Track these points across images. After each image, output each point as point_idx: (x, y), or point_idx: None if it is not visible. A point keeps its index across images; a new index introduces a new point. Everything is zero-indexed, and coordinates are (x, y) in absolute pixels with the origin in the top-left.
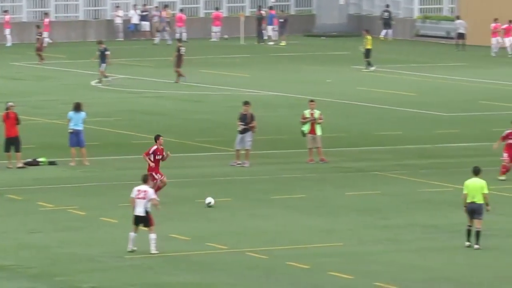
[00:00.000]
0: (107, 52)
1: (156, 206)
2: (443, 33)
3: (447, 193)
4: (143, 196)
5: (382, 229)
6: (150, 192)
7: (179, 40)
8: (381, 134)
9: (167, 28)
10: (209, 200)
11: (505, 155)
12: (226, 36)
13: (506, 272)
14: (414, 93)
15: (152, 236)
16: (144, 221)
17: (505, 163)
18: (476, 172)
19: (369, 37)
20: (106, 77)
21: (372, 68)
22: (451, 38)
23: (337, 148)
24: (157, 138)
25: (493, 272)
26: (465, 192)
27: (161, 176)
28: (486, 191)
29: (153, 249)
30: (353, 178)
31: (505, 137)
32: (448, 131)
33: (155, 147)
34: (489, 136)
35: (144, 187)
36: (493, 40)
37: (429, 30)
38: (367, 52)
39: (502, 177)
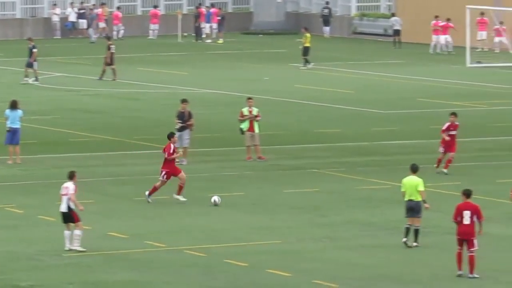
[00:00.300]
0: (35, 50)
1: (75, 204)
2: (380, 31)
3: (385, 191)
4: (65, 193)
5: (321, 226)
6: (71, 189)
7: (109, 38)
8: (319, 132)
9: (103, 26)
10: (215, 198)
11: (441, 148)
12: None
13: (443, 269)
14: (352, 90)
15: (77, 232)
16: (67, 217)
17: (440, 157)
18: (414, 169)
19: (308, 34)
20: (27, 76)
21: (310, 66)
22: (389, 35)
23: (275, 146)
24: (171, 136)
25: (431, 269)
26: (403, 190)
27: (163, 176)
28: (421, 189)
29: (75, 246)
30: (291, 175)
31: (446, 130)
32: (386, 128)
33: (172, 145)
34: (427, 134)
35: (67, 183)
36: (434, 38)
37: (367, 27)
38: (305, 50)
39: (445, 170)
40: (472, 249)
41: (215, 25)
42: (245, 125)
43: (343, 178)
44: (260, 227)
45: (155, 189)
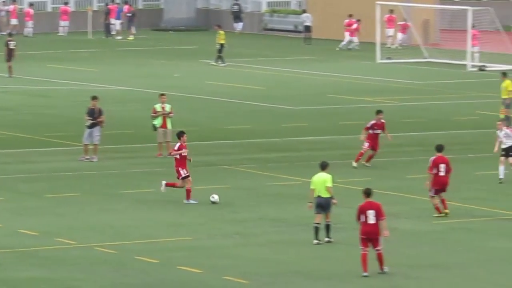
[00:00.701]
0: None
1: None
2: (290, 27)
3: (295, 187)
4: None
5: (231, 223)
6: None
7: (10, 34)
8: (230, 128)
9: (14, 23)
10: (214, 197)
11: (366, 144)
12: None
13: (354, 265)
14: (262, 87)
15: None
16: None
17: (363, 151)
18: (323, 167)
19: (221, 32)
20: None
21: (223, 65)
22: (299, 31)
23: (186, 142)
24: (180, 135)
25: (341, 265)
26: (312, 187)
27: (187, 172)
28: (329, 185)
29: None
30: (202, 172)
31: (370, 127)
32: (296, 124)
33: (178, 144)
34: (337, 130)
35: None
36: (346, 35)
37: (277, 24)
38: (220, 47)
39: (355, 164)
40: (378, 248)
41: (124, 22)
42: (158, 122)
43: (254, 175)
44: (170, 224)
45: (188, 192)
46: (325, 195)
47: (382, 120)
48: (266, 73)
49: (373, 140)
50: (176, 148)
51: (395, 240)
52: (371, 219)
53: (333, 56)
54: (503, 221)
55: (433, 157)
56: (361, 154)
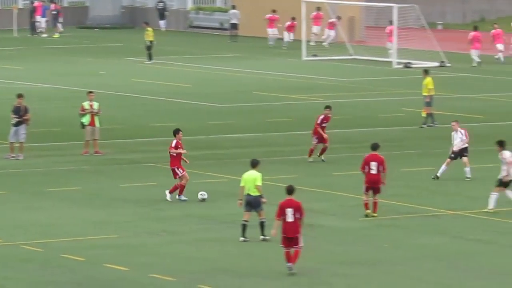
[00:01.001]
0: None
1: None
2: (216, 24)
3: (222, 184)
4: None
5: (158, 220)
6: None
7: None
8: (156, 126)
9: None
10: (204, 195)
11: (315, 139)
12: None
13: (280, 262)
14: (189, 84)
15: None
16: None
17: (312, 147)
18: (253, 164)
19: (150, 29)
20: None
21: (148, 62)
22: (225, 29)
23: (112, 140)
24: (176, 132)
25: (268, 262)
26: (242, 184)
27: (183, 172)
28: (259, 183)
29: None
30: (128, 169)
31: (321, 122)
32: (223, 122)
33: (175, 141)
34: (264, 127)
35: None
36: (269, 31)
37: (203, 21)
38: (148, 45)
39: (310, 159)
40: (297, 246)
41: (49, 20)
42: (86, 119)
43: None
44: (97, 222)
45: (182, 187)
46: (254, 193)
47: (330, 115)
48: (192, 70)
49: (319, 134)
50: (173, 145)
51: (321, 237)
52: (290, 217)
53: (260, 53)
54: (428, 218)
55: (366, 155)
56: (312, 150)
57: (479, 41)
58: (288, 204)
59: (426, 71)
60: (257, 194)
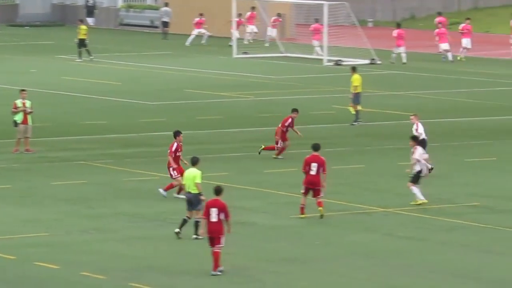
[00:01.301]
0: None
1: None
2: (147, 22)
3: (153, 182)
4: None
5: (89, 218)
6: None
7: None
8: (86, 124)
9: None
10: None
11: (277, 137)
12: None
13: (210, 260)
14: (119, 82)
15: None
16: None
17: (284, 147)
18: (194, 162)
19: (83, 27)
20: None
21: (79, 60)
22: (155, 27)
23: (43, 138)
24: (177, 134)
25: (199, 260)
26: (183, 182)
27: (177, 174)
28: (198, 181)
29: None
30: (59, 167)
31: (288, 125)
32: (153, 120)
33: (176, 144)
34: (194, 125)
35: None
36: (195, 31)
37: (133, 19)
38: (81, 42)
39: (280, 157)
40: (217, 246)
41: None
42: (19, 117)
43: (111, 170)
44: (27, 220)
45: (170, 186)
46: (194, 191)
47: (295, 118)
48: (122, 68)
49: (283, 135)
50: (173, 149)
51: (253, 234)
52: (213, 217)
53: (190, 51)
54: (359, 215)
55: (307, 156)
56: (283, 149)
57: (403, 38)
58: (213, 204)
59: (354, 68)
60: (196, 192)
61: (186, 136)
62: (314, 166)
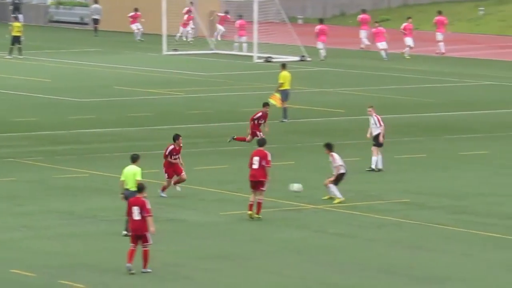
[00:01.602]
0: None
1: None
2: (77, 19)
3: (83, 179)
4: None
5: (19, 216)
6: None
7: None
8: (16, 121)
9: None
10: (295, 187)
11: (249, 130)
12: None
13: (140, 256)
14: (48, 79)
15: None
16: None
17: (247, 139)
18: (133, 159)
19: (16, 24)
20: None
21: (9, 57)
22: (85, 23)
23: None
24: (176, 138)
25: (123, 256)
26: (122, 179)
27: (181, 173)
28: (138, 177)
29: None
30: None
31: (257, 119)
32: (83, 116)
33: (171, 147)
34: (125, 122)
35: None
36: (133, 27)
37: (63, 16)
38: (15, 39)
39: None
40: (146, 244)
41: None
42: None
43: (41, 167)
44: None
45: (165, 186)
46: (134, 188)
47: (267, 113)
48: (52, 65)
49: (255, 130)
50: (167, 153)
51: (183, 231)
52: (136, 215)
53: (120, 48)
54: (289, 212)
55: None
56: (243, 139)
57: (325, 34)
58: (135, 202)
59: (283, 65)
60: (136, 189)
61: (116, 133)
62: (256, 160)
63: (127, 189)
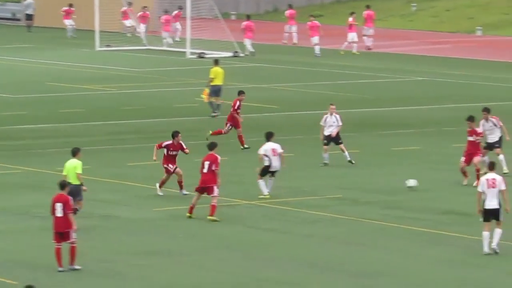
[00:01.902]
0: None
1: None
2: (8, 15)
3: (16, 175)
4: None
5: None
6: None
7: None
8: None
9: None
10: (412, 183)
11: (229, 125)
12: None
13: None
14: None
15: None
16: None
17: (224, 131)
18: (74, 153)
19: None
20: None
21: None
22: (17, 19)
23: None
24: (175, 134)
25: (64, 254)
26: (64, 173)
27: (175, 167)
28: (79, 171)
29: None
30: None
31: (238, 108)
32: (15, 113)
33: (169, 142)
34: (57, 118)
35: None
36: (66, 22)
37: None
38: None
39: (246, 146)
40: (70, 241)
41: None
42: None
43: None
44: None
45: (180, 183)
46: (75, 181)
47: (243, 102)
48: None
49: (234, 120)
50: (163, 145)
51: (116, 228)
52: (59, 212)
53: (53, 44)
54: (223, 208)
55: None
56: (220, 132)
57: (252, 30)
58: (58, 199)
59: (216, 61)
60: (77, 182)
61: (49, 129)
62: (206, 164)
63: (69, 183)
